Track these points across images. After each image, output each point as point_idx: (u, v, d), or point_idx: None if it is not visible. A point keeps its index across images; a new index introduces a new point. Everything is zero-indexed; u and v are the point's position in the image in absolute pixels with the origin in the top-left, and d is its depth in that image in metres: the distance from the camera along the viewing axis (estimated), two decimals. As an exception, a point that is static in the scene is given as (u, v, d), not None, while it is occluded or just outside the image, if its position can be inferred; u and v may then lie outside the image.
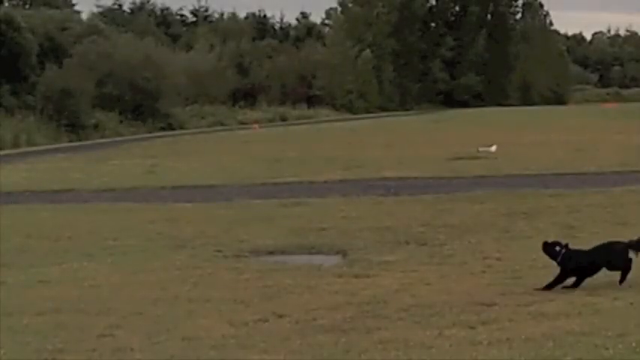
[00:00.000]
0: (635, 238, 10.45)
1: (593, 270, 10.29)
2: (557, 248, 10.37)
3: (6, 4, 68.90)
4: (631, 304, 9.30)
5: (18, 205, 20.10)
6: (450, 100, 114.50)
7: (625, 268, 10.18)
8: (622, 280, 10.15)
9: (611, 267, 10.28)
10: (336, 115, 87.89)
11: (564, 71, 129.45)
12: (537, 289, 10.08)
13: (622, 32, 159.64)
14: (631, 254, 10.26)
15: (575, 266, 10.22)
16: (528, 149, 32.13)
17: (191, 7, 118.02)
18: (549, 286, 10.11)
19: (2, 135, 46.82)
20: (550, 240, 10.64)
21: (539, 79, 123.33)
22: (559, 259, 10.28)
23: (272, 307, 9.66)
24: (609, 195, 18.47)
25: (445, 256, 12.38)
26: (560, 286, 10.13)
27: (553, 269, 11.17)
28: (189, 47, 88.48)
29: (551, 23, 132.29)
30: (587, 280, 10.39)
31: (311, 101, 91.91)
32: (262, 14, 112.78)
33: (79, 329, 8.93)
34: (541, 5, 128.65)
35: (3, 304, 10.07)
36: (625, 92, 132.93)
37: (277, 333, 8.64)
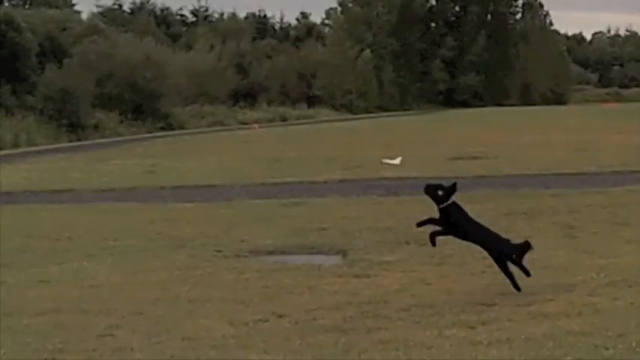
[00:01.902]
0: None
1: (464, 236, 10.18)
2: (440, 192, 10.26)
3: (6, 4, 68.99)
4: (631, 304, 9.30)
5: (18, 205, 20.10)
6: (450, 100, 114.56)
7: (498, 260, 10.00)
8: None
9: (485, 248, 10.11)
10: (336, 115, 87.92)
11: (564, 71, 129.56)
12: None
13: (622, 32, 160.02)
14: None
15: (453, 220, 10.08)
16: (528, 149, 32.12)
17: (191, 7, 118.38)
18: (422, 224, 10.13)
19: (2, 135, 46.84)
20: (433, 183, 10.49)
21: (539, 79, 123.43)
22: (442, 205, 10.17)
23: (272, 307, 9.66)
24: (609, 195, 18.47)
25: (445, 256, 12.38)
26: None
27: (553, 269, 11.18)
28: (189, 47, 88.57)
29: (551, 23, 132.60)
30: (587, 280, 10.38)
31: (311, 101, 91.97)
32: (262, 14, 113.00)
33: (79, 329, 8.93)
34: (541, 5, 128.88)
35: (3, 304, 10.07)
36: (625, 92, 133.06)
37: (277, 333, 8.64)
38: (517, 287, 9.93)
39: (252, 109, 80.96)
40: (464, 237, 10.33)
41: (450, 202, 10.18)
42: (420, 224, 10.41)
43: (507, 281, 10.59)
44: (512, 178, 22.84)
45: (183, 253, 13.25)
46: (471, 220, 10.25)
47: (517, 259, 10.10)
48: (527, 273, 10.10)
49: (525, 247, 10.18)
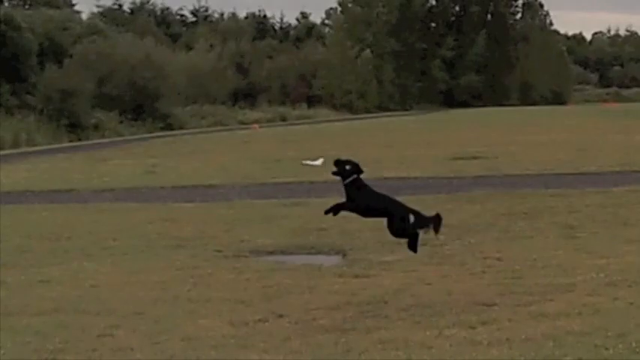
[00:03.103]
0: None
1: (367, 210, 10.03)
2: (348, 167, 10.12)
3: (6, 4, 68.97)
4: (631, 304, 9.29)
5: (18, 205, 20.10)
6: (450, 100, 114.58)
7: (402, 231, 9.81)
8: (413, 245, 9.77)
9: (389, 218, 9.89)
10: (336, 115, 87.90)
11: (564, 71, 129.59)
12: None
13: (622, 32, 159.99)
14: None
15: (355, 195, 9.94)
16: (528, 149, 32.11)
17: (191, 7, 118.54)
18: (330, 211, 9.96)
19: (2, 135, 46.85)
20: (344, 158, 10.30)
21: (540, 79, 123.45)
22: (347, 180, 10.03)
23: (272, 307, 9.66)
24: (609, 195, 18.47)
25: (445, 256, 12.38)
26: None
27: (553, 269, 11.18)
28: (189, 47, 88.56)
29: (551, 23, 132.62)
30: (587, 280, 10.38)
31: (311, 101, 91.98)
32: (262, 14, 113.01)
33: (79, 329, 8.93)
34: (541, 5, 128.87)
35: (3, 304, 10.07)
36: (625, 92, 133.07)
37: (277, 333, 8.64)
38: (414, 248, 9.76)
39: (252, 109, 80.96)
40: (367, 211, 10.10)
41: (354, 177, 10.00)
42: (328, 211, 10.15)
43: (507, 281, 10.60)
44: (512, 178, 22.83)
45: (183, 253, 13.24)
46: (375, 193, 10.08)
47: (435, 229, 9.85)
48: (415, 249, 9.89)
49: (436, 220, 9.97)
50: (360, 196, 9.88)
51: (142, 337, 8.57)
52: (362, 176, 10.08)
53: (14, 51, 55.91)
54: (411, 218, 9.80)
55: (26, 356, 8.13)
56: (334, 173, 10.07)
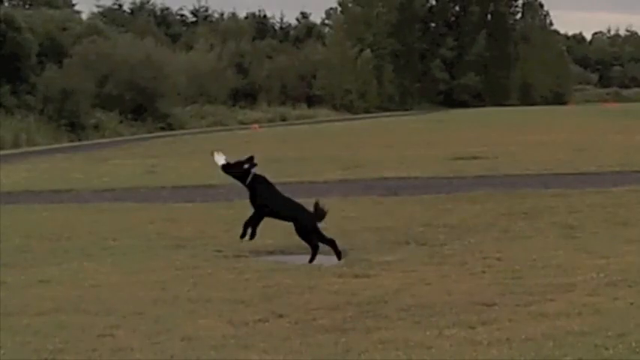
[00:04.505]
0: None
1: (274, 211, 9.94)
2: (246, 166, 9.89)
3: (6, 4, 68.94)
4: (631, 304, 9.29)
5: (18, 205, 20.10)
6: (450, 100, 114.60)
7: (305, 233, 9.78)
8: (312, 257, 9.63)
9: (295, 222, 9.84)
10: (336, 115, 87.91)
11: (564, 71, 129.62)
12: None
13: (622, 32, 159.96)
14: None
15: (260, 194, 9.80)
16: (528, 149, 32.12)
17: (191, 7, 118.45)
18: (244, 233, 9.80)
19: (2, 135, 46.85)
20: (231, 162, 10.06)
21: (539, 79, 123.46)
22: (248, 180, 9.83)
23: (272, 307, 9.66)
24: (609, 195, 18.46)
25: (445, 256, 12.38)
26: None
27: (553, 269, 11.18)
28: (189, 47, 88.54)
29: (551, 23, 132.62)
30: (587, 280, 10.38)
31: (311, 101, 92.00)
32: (262, 14, 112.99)
33: (79, 329, 8.93)
34: (541, 5, 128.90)
35: (3, 304, 10.07)
36: (625, 92, 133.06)
37: (277, 333, 8.64)
38: (311, 260, 9.73)
39: (252, 109, 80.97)
40: (274, 213, 10.05)
41: (254, 174, 9.86)
42: (243, 235, 9.95)
43: (507, 281, 10.61)
44: (512, 178, 22.83)
45: (184, 253, 13.24)
46: (279, 194, 10.05)
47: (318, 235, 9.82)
48: (314, 254, 9.83)
49: (318, 212, 9.92)
50: (263, 198, 9.78)
51: (142, 337, 8.57)
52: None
53: (14, 51, 55.90)
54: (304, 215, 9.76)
55: (26, 356, 8.13)
56: (234, 176, 9.86)
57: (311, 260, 9.88)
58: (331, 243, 10.13)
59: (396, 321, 8.94)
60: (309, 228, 9.78)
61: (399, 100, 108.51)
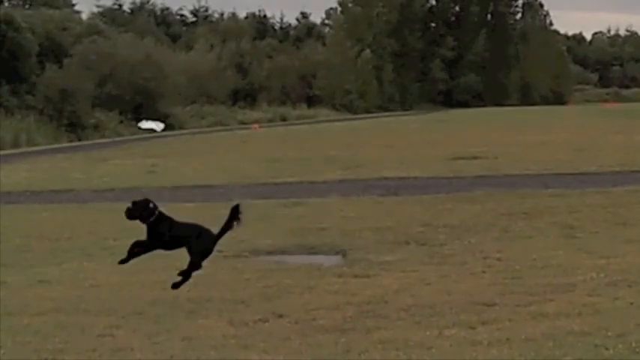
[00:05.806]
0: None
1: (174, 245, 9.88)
2: (152, 205, 9.89)
3: (6, 4, 68.99)
4: (631, 304, 9.30)
5: (18, 205, 20.09)
6: (450, 100, 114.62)
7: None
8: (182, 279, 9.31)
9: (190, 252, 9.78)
10: (336, 115, 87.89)
11: (564, 71, 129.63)
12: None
13: (622, 32, 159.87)
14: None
15: (162, 232, 9.78)
16: (528, 149, 32.11)
17: (191, 7, 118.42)
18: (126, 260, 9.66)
19: (2, 135, 46.85)
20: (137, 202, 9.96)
21: (539, 79, 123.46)
22: (152, 219, 9.82)
23: (272, 307, 9.66)
24: (609, 195, 18.46)
25: (445, 256, 12.38)
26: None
27: (553, 269, 11.18)
28: (189, 47, 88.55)
29: (551, 23, 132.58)
30: (587, 280, 10.39)
31: (311, 101, 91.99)
32: (262, 14, 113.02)
33: (79, 329, 8.93)
34: (541, 5, 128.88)
35: (3, 304, 10.07)
36: (625, 92, 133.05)
37: (277, 333, 8.64)
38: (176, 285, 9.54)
39: (252, 109, 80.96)
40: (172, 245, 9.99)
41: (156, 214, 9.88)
42: (126, 260, 9.84)
43: (507, 281, 10.60)
44: (512, 178, 22.83)
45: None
46: (178, 223, 10.01)
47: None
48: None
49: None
50: (164, 234, 9.72)
51: (142, 337, 8.57)
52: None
53: (14, 51, 55.91)
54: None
55: (26, 356, 8.13)
56: (134, 218, 9.81)
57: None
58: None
59: (396, 321, 8.94)
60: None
61: (399, 100, 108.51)
